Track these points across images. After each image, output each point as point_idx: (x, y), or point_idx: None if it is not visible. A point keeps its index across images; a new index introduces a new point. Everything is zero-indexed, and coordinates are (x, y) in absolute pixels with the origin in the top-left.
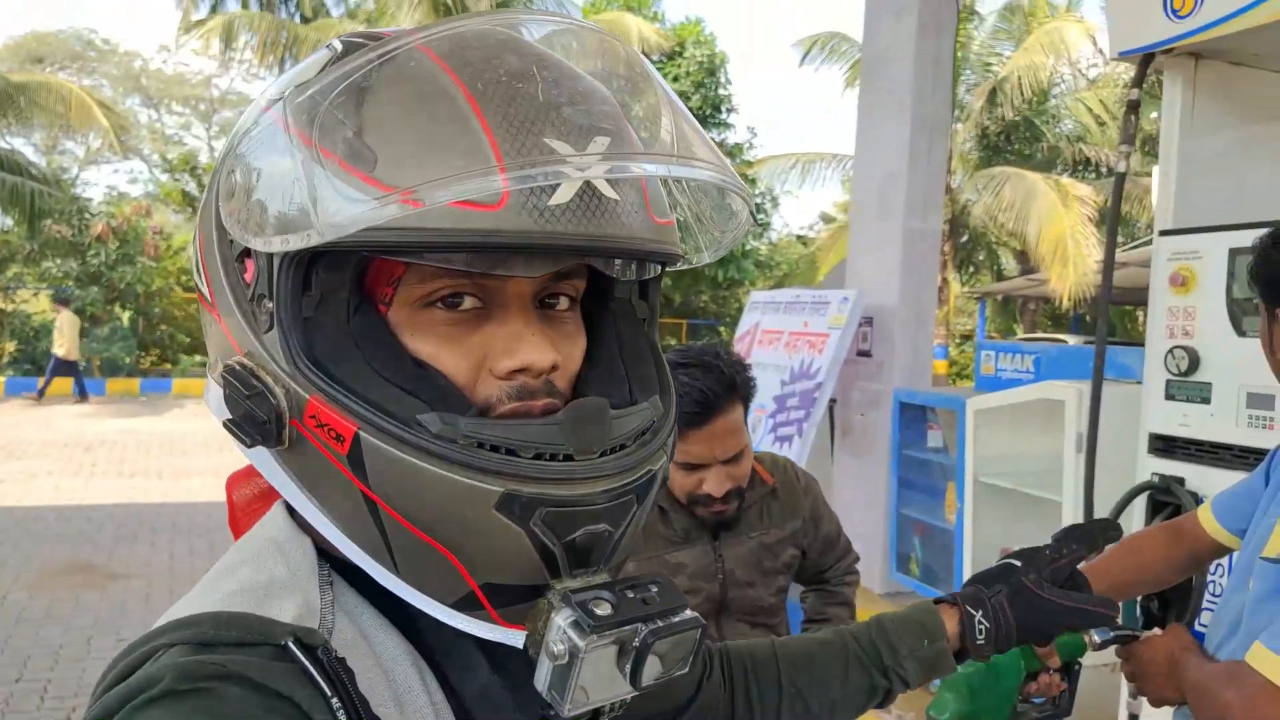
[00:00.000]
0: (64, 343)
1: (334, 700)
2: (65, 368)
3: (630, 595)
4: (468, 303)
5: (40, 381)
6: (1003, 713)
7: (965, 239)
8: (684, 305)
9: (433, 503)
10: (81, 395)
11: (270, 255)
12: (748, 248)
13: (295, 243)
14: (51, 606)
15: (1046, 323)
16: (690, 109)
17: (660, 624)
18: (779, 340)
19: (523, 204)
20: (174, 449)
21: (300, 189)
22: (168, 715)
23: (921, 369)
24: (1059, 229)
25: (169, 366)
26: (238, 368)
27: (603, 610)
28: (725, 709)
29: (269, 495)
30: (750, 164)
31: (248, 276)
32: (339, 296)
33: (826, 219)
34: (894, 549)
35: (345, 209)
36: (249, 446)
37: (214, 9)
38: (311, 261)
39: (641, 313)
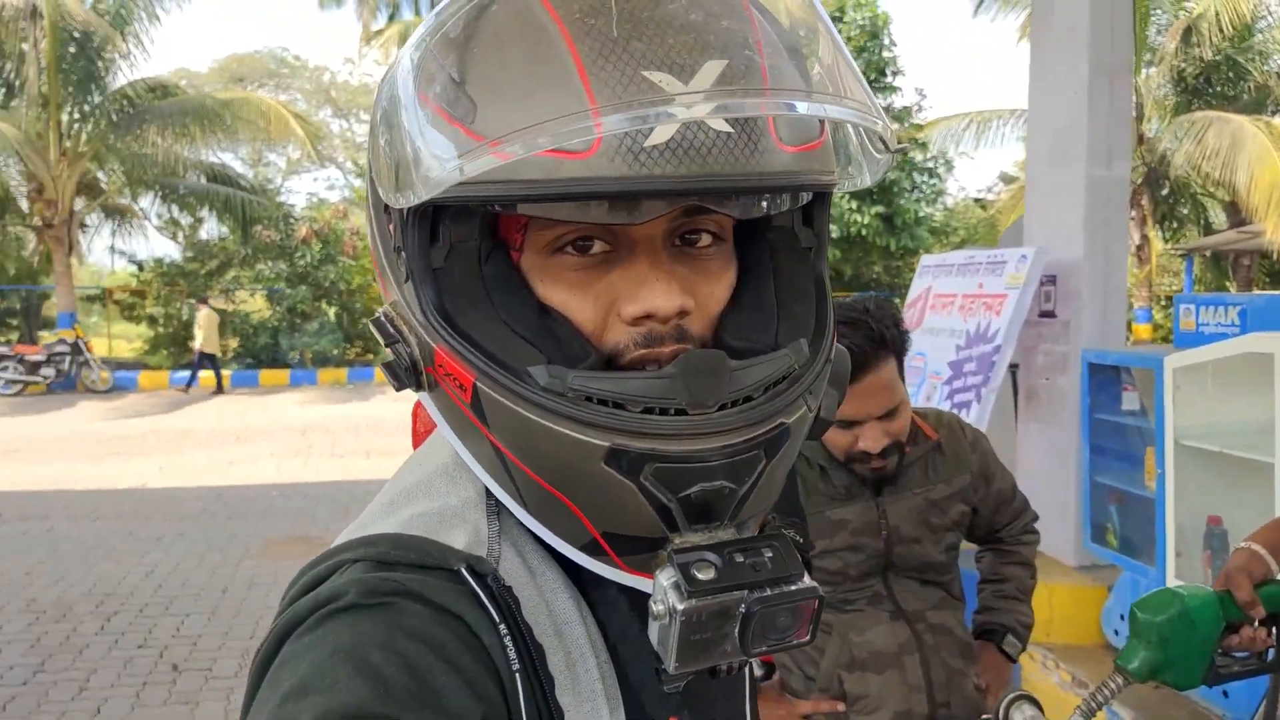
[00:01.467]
0: (205, 338)
1: (501, 626)
2: (206, 360)
3: (740, 560)
4: (596, 246)
5: (188, 375)
6: (1197, 665)
7: (1166, 192)
8: (855, 278)
9: (546, 454)
10: (219, 388)
11: (401, 210)
12: (921, 214)
13: (403, 200)
14: (278, 574)
15: (1264, 279)
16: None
17: (769, 591)
18: (952, 304)
19: (616, 148)
20: (380, 431)
21: (409, 144)
22: (354, 624)
23: (1113, 328)
24: (1273, 175)
25: (371, 356)
26: (382, 317)
27: (705, 574)
28: None
29: None
30: (920, 127)
31: (391, 228)
32: (468, 245)
33: (1006, 179)
34: (1088, 519)
35: (436, 166)
36: (397, 390)
37: (391, 18)
38: (437, 213)
39: (806, 241)
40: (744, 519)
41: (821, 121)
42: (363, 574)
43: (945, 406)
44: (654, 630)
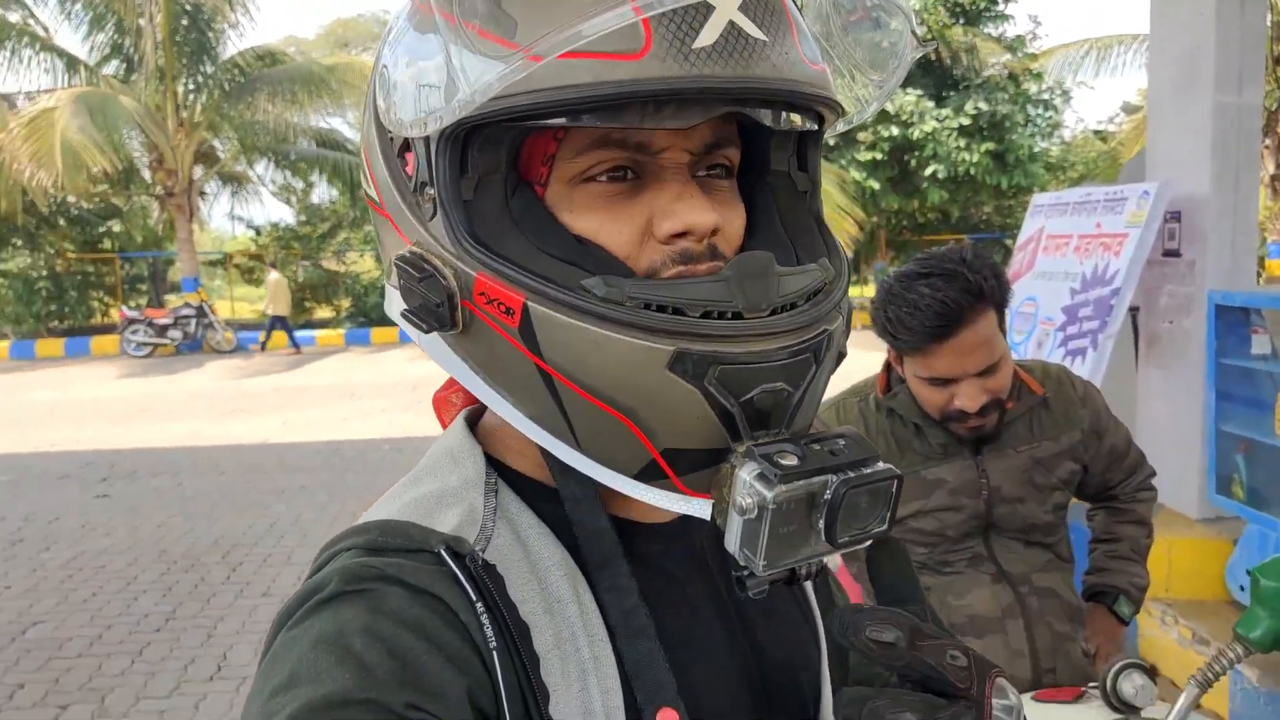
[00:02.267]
0: (274, 301)
1: (479, 604)
2: (279, 323)
3: (817, 447)
4: (622, 174)
5: (261, 336)
6: None
7: None
8: (963, 219)
9: (605, 367)
10: (295, 347)
11: (427, 141)
12: (1035, 150)
13: (445, 117)
14: None
15: None
16: (960, 3)
17: (851, 474)
18: (1067, 245)
19: (666, 50)
20: None
21: (442, 65)
22: (336, 613)
23: (1242, 267)
24: None
25: None
26: (409, 255)
27: (789, 461)
28: None
29: (467, 405)
30: (1034, 56)
31: (409, 170)
32: (495, 178)
33: (1129, 109)
34: (1213, 469)
35: (482, 75)
36: (425, 333)
37: None
38: (466, 143)
39: (802, 185)
40: (797, 428)
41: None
42: (347, 562)
43: (1058, 354)
44: (736, 532)
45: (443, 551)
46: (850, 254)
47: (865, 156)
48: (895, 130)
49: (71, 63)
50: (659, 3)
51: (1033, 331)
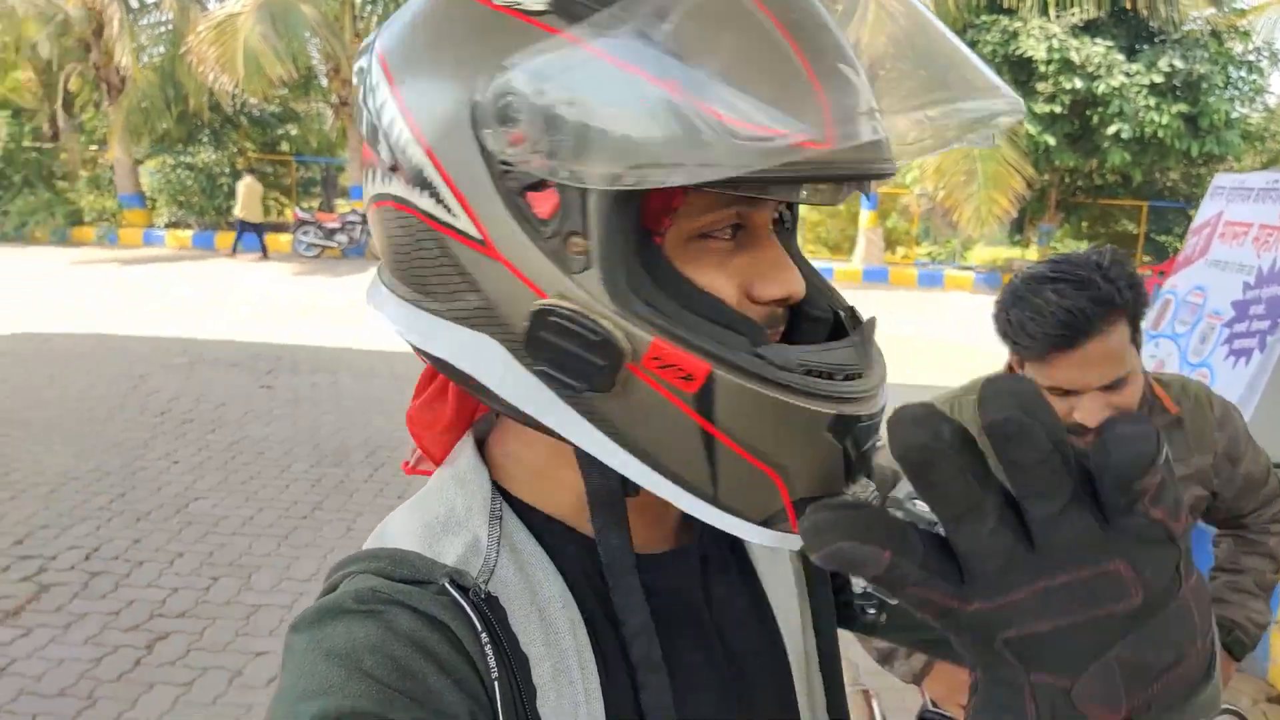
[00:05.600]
0: (246, 206)
1: (483, 635)
2: (250, 228)
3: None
4: (734, 232)
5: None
6: None
7: None
8: (1146, 184)
9: (773, 429)
10: (263, 253)
11: (584, 190)
12: (1233, 115)
13: (672, 177)
14: None
15: None
16: None
17: None
18: (1246, 235)
19: (841, 139)
20: None
21: (667, 120)
22: (348, 630)
23: None
24: None
25: None
26: (565, 311)
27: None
28: None
29: (451, 428)
30: (1242, 13)
31: (539, 211)
32: (630, 232)
33: None
34: None
35: (735, 153)
36: (575, 393)
37: None
38: (628, 199)
39: (787, 221)
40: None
41: None
42: (360, 585)
43: (1222, 352)
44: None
45: (447, 584)
46: (1015, 213)
47: (1043, 109)
48: (1078, 82)
49: None
50: (851, 126)
51: (1197, 324)
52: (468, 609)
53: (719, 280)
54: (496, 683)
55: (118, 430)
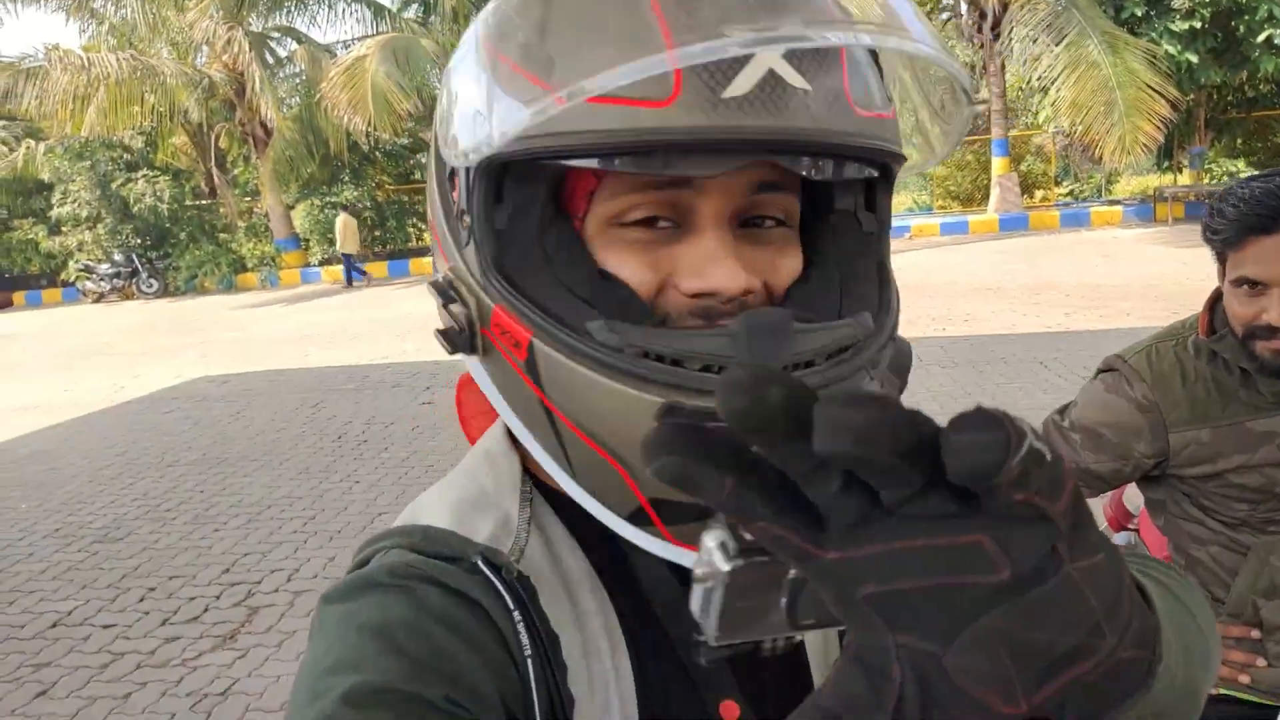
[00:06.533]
0: (345, 240)
1: (516, 613)
2: (348, 260)
3: None
4: (661, 223)
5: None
6: None
7: None
8: None
9: (599, 412)
10: (358, 279)
11: (467, 169)
12: None
13: (470, 156)
14: None
15: None
16: None
17: None
18: None
19: (695, 97)
20: None
21: (481, 99)
22: (381, 604)
23: None
24: None
25: None
26: (441, 280)
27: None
28: None
29: (485, 410)
30: None
31: (455, 195)
32: (533, 209)
33: None
34: None
35: (508, 115)
36: (450, 354)
37: None
38: (502, 174)
39: (869, 226)
40: None
41: (889, 98)
42: (394, 559)
43: None
44: (695, 596)
45: (479, 561)
46: (1162, 139)
47: (1180, 26)
48: None
49: (378, 10)
50: (693, 55)
51: None
52: (500, 588)
53: (630, 268)
54: (530, 661)
55: (302, 458)
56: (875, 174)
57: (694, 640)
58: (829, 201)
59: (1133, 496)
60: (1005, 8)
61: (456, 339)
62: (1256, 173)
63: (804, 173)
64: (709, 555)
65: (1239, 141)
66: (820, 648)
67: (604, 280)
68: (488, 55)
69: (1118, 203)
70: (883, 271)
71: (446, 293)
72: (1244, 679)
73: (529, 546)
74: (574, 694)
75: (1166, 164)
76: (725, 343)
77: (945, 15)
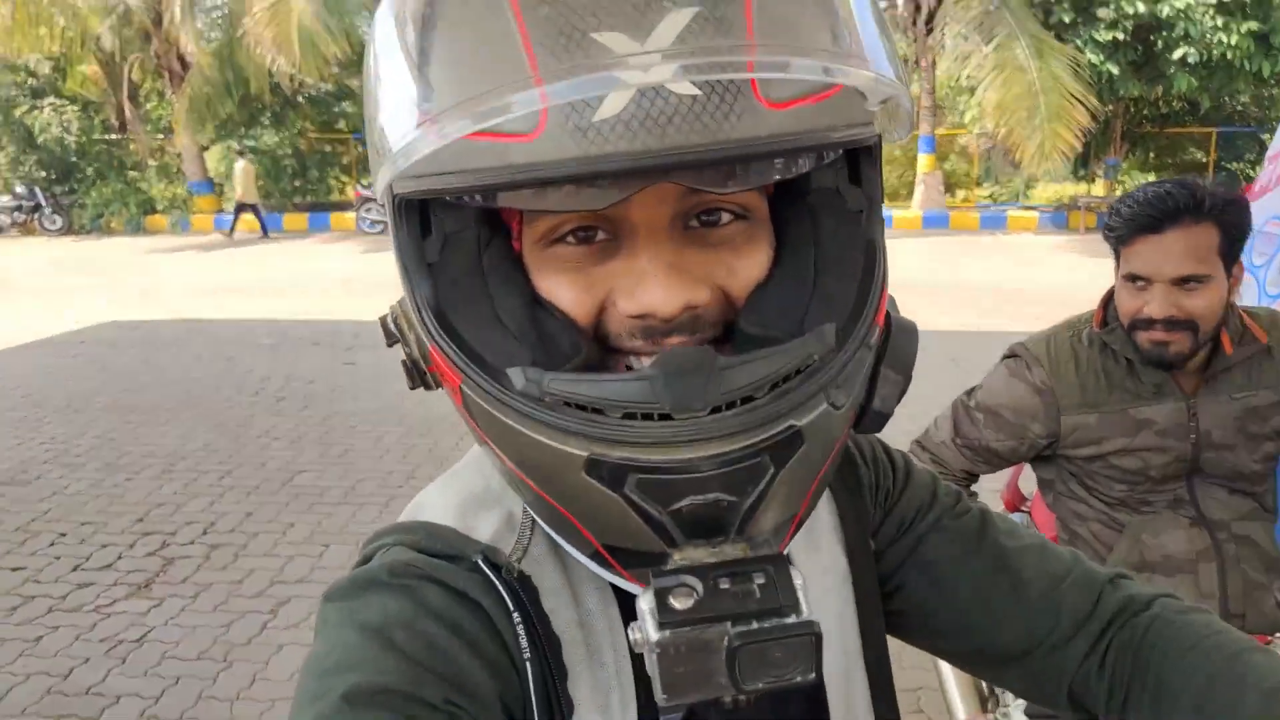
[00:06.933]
0: (241, 188)
1: (515, 614)
2: (246, 209)
3: (725, 587)
4: (595, 235)
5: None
6: None
7: None
8: (1215, 109)
9: (529, 462)
10: (264, 232)
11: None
12: None
13: (377, 193)
14: None
15: None
16: None
17: (755, 625)
18: None
19: (561, 127)
20: None
21: (374, 134)
22: (382, 603)
23: None
24: None
25: None
26: (388, 314)
27: (682, 603)
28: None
29: None
30: None
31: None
32: (466, 234)
33: None
34: None
35: (386, 157)
36: (411, 389)
37: None
38: (425, 204)
39: (855, 203)
40: (759, 532)
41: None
42: (395, 557)
43: None
44: (646, 658)
45: (480, 561)
46: (1080, 147)
47: (1104, 36)
48: (1141, 6)
49: None
50: (559, 93)
51: (1276, 254)
52: (500, 588)
53: (563, 289)
54: (529, 663)
55: (218, 410)
56: (829, 158)
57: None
58: (807, 180)
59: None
60: (940, 2)
61: (413, 374)
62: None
63: (712, 189)
64: (642, 621)
65: (1151, 155)
66: (842, 688)
67: (538, 309)
68: (376, 82)
69: (1034, 208)
70: (871, 255)
71: (389, 333)
72: None
73: (532, 545)
74: (576, 698)
75: (1083, 173)
76: (644, 388)
77: (883, 4)
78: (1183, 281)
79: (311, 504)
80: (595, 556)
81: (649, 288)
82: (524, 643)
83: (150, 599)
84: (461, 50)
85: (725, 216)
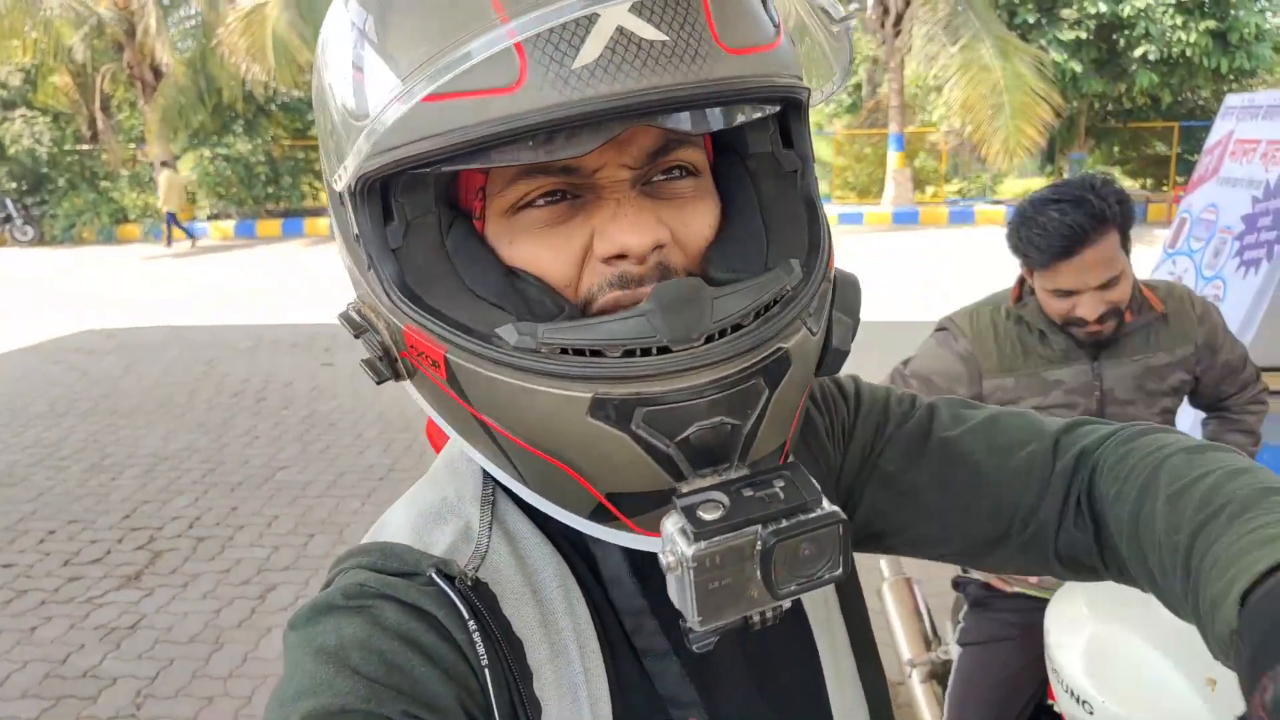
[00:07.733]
0: (167, 198)
1: (471, 623)
2: (172, 219)
3: (749, 494)
4: (559, 198)
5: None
6: None
7: None
8: (1176, 105)
9: (529, 418)
10: (191, 238)
11: (351, 193)
12: (1265, 27)
13: (343, 179)
14: None
15: None
16: None
17: (785, 523)
18: (1254, 151)
19: (542, 76)
20: None
21: (335, 118)
22: (337, 627)
23: None
24: None
25: None
26: (350, 310)
27: (712, 514)
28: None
29: None
30: None
31: (351, 217)
32: (428, 219)
33: None
34: None
35: (358, 132)
36: (377, 383)
37: None
38: (386, 190)
39: (789, 164)
40: (760, 456)
41: (776, 24)
42: (350, 580)
43: (1234, 264)
44: (671, 585)
45: (433, 574)
46: (1044, 143)
47: (1068, 36)
48: (1103, 6)
49: None
50: (527, 22)
51: (1210, 239)
52: (454, 598)
53: (540, 248)
54: (487, 669)
55: (199, 412)
56: (776, 109)
57: (682, 629)
58: (744, 145)
59: None
60: (908, 4)
61: (379, 367)
62: (1043, 192)
63: (686, 129)
64: (672, 543)
65: (1116, 149)
66: (826, 636)
67: (513, 278)
68: (336, 67)
69: (1001, 203)
70: (811, 209)
71: (357, 324)
72: (1033, 580)
73: (491, 552)
74: (543, 698)
75: (1049, 168)
76: (641, 323)
77: (853, 5)
78: (1104, 285)
79: (295, 497)
80: (597, 512)
81: (622, 226)
82: (481, 650)
83: (141, 589)
84: (426, 13)
85: (678, 173)
